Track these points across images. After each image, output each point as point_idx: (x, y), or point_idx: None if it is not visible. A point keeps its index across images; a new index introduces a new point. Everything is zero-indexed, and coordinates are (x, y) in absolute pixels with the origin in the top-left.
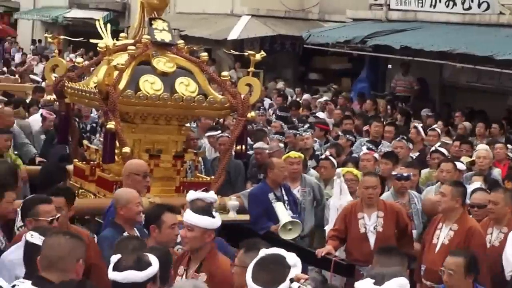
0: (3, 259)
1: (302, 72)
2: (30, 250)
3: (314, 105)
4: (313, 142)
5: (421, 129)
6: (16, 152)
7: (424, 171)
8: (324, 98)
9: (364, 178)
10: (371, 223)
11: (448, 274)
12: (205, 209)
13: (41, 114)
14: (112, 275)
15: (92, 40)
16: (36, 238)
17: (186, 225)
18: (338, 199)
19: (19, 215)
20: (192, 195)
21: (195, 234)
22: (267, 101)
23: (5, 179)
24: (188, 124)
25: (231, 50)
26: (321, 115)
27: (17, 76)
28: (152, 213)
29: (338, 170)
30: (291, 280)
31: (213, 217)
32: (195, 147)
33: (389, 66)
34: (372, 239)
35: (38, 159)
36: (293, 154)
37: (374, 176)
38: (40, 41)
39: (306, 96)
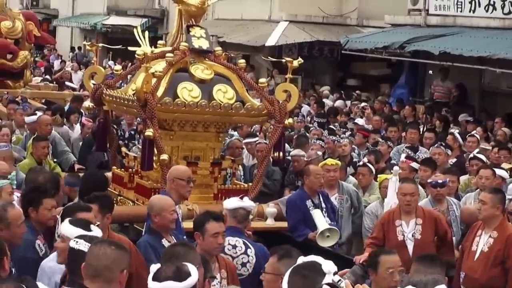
0: (43, 265)
1: (341, 78)
2: (75, 257)
3: (354, 111)
4: (351, 149)
5: (458, 136)
6: (55, 160)
7: (463, 178)
8: (363, 104)
9: (401, 185)
10: (409, 230)
11: None
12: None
13: (80, 121)
14: (152, 285)
15: (130, 48)
16: (81, 244)
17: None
18: (392, 198)
19: (60, 222)
20: (230, 203)
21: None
22: (305, 108)
23: (44, 186)
24: (232, 132)
25: (269, 57)
26: (360, 121)
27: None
28: (197, 220)
29: (396, 167)
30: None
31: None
32: (239, 155)
33: (430, 72)
34: (410, 246)
35: (77, 166)
36: (329, 161)
37: (412, 182)
38: (79, 48)
39: (339, 102)
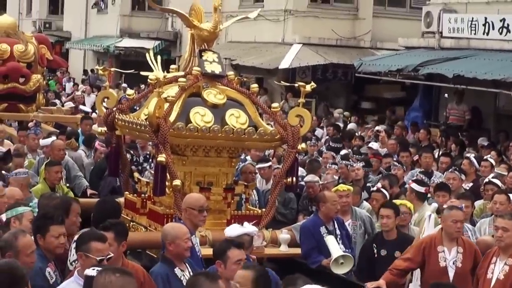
0: None
1: (355, 100)
2: (90, 285)
3: (368, 134)
4: (365, 173)
5: (474, 160)
6: (68, 185)
7: (478, 203)
8: (377, 127)
9: (452, 212)
10: (451, 258)
11: None
12: None
13: (93, 146)
14: None
15: (143, 73)
16: (95, 272)
17: None
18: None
19: (73, 248)
20: (232, 230)
21: None
22: (319, 131)
23: (51, 213)
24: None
25: (282, 81)
26: (374, 145)
27: (68, 107)
28: (218, 249)
29: (434, 204)
30: None
31: None
32: (252, 180)
33: (446, 95)
34: (451, 273)
35: (89, 191)
36: (341, 187)
37: (461, 210)
38: (92, 70)
39: (352, 125)
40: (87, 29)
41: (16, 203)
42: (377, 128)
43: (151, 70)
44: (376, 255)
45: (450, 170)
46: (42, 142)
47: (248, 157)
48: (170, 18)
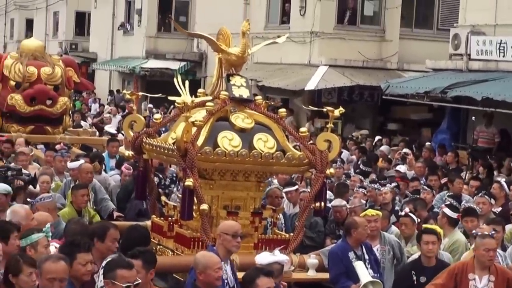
0: None
1: (381, 122)
2: None
3: (395, 157)
4: (393, 197)
5: (504, 184)
6: (94, 207)
7: (509, 227)
8: (404, 150)
9: (484, 240)
10: (481, 286)
11: None
12: None
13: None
14: None
15: (170, 97)
16: None
17: None
18: None
19: (101, 274)
20: (263, 258)
21: None
22: (345, 154)
23: (78, 240)
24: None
25: (309, 106)
26: (402, 168)
27: (94, 128)
28: (247, 276)
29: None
30: None
31: None
32: (279, 204)
33: (473, 118)
34: None
35: (115, 214)
36: (370, 211)
37: (493, 238)
38: (118, 91)
39: (384, 147)
40: (113, 50)
41: (29, 229)
42: (404, 150)
43: (177, 91)
44: (415, 282)
45: (480, 194)
46: (70, 165)
47: (275, 181)
48: (196, 39)
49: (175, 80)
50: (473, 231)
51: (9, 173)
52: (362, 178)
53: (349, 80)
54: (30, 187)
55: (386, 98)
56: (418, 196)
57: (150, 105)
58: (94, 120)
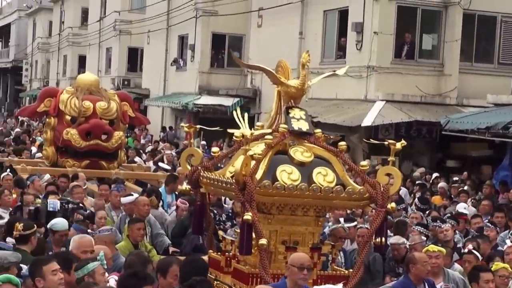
0: None
1: (440, 159)
2: None
3: (454, 194)
4: (454, 234)
5: None
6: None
7: None
8: (466, 187)
9: None
10: None
11: None
12: None
13: (175, 204)
14: None
15: (230, 130)
16: None
17: None
18: None
19: None
20: None
21: None
22: (403, 190)
23: (142, 273)
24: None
25: (370, 139)
26: (462, 205)
27: (148, 164)
28: None
29: None
30: None
31: None
32: (341, 246)
33: None
34: None
35: (171, 249)
36: (432, 247)
37: None
38: (170, 128)
39: (442, 184)
40: (165, 86)
41: (84, 260)
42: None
43: (231, 127)
44: None
45: None
46: (124, 199)
47: (342, 219)
48: (249, 75)
49: (234, 112)
50: None
51: (70, 206)
52: (423, 215)
53: (407, 116)
54: None
55: (445, 134)
56: (483, 234)
57: (204, 142)
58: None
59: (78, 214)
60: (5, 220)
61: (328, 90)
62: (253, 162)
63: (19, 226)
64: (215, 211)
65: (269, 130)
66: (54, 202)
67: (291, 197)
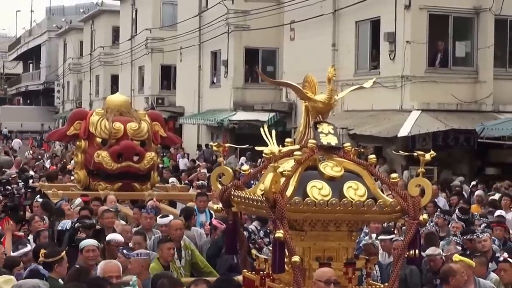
0: None
1: (479, 167)
2: None
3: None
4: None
5: None
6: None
7: None
8: (497, 195)
9: None
10: None
11: None
12: None
13: (211, 224)
14: None
15: (257, 148)
16: None
17: None
18: None
19: None
20: None
21: None
22: (441, 200)
23: None
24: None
25: (400, 151)
26: (502, 213)
27: (183, 184)
28: None
29: None
30: None
31: None
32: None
33: None
34: None
35: None
36: (456, 257)
37: None
38: (206, 145)
39: (479, 192)
40: (200, 103)
41: (116, 284)
42: (498, 195)
43: (266, 143)
44: None
45: None
46: (160, 221)
47: (374, 234)
48: (284, 89)
49: (261, 129)
50: None
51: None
52: (463, 224)
53: (443, 125)
54: None
55: (483, 142)
56: None
57: (243, 158)
58: (184, 176)
59: (81, 229)
60: (28, 247)
61: (363, 102)
62: (283, 179)
63: (42, 253)
64: (250, 230)
65: (297, 146)
66: (64, 222)
67: (322, 212)
